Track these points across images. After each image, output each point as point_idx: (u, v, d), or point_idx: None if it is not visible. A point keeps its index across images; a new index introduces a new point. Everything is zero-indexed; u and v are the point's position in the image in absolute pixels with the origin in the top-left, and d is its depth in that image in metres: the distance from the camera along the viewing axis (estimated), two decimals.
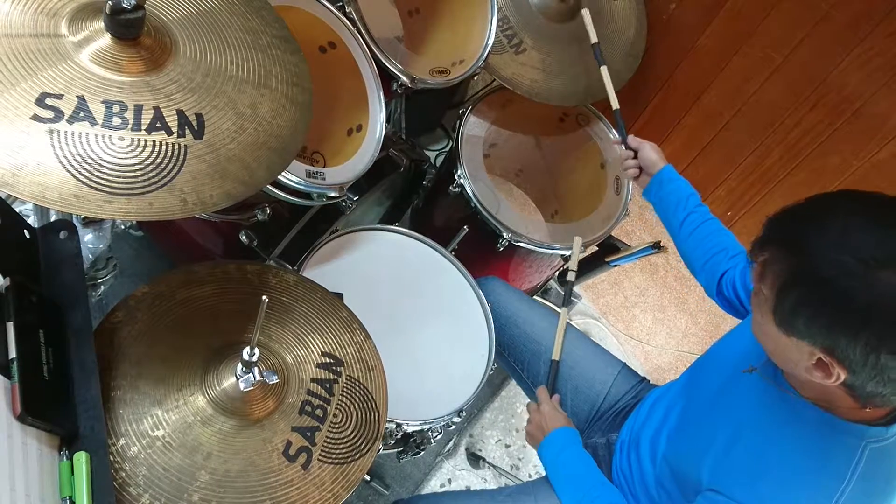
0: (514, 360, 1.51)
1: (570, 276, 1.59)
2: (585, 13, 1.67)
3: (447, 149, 2.34)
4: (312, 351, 1.08)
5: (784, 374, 0.96)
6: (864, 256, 0.75)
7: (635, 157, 1.46)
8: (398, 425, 1.29)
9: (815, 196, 0.85)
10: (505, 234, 1.64)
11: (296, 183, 1.22)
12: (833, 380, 0.81)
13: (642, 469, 1.21)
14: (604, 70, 1.63)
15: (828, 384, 0.82)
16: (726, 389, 1.07)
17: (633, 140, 1.48)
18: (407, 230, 1.57)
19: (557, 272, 1.96)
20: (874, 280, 0.74)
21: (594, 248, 1.82)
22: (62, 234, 0.95)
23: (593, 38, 1.66)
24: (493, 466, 1.99)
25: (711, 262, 1.28)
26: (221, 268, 1.11)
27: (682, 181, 1.39)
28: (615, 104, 1.60)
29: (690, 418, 1.14)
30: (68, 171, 0.74)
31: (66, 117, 0.77)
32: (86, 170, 0.75)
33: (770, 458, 0.93)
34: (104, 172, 0.76)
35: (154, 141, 0.81)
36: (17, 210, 0.93)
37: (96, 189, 0.75)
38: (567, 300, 1.54)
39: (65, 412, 0.83)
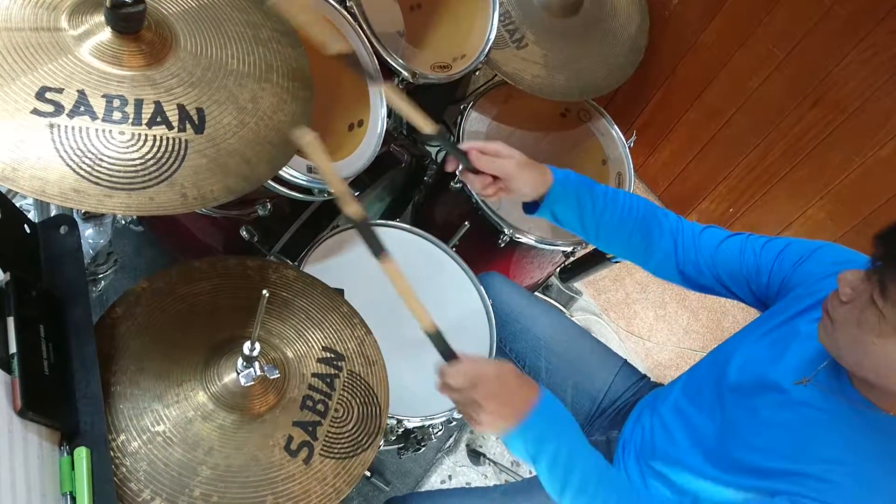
0: (515, 356, 1.51)
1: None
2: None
3: None
4: (313, 346, 1.08)
5: (855, 384, 0.91)
6: None
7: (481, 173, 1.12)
8: (399, 421, 1.29)
9: None
10: (506, 230, 1.63)
11: (297, 178, 1.22)
12: None
13: (656, 478, 1.17)
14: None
15: None
16: (777, 407, 0.99)
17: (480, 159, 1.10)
18: (408, 226, 1.57)
19: (559, 268, 1.96)
20: None
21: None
22: (62, 229, 0.95)
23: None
24: (494, 463, 1.99)
25: (656, 249, 1.15)
26: (221, 263, 1.11)
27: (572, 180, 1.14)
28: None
29: (740, 435, 1.04)
30: (69, 166, 0.74)
31: (66, 111, 0.76)
32: (86, 164, 0.75)
33: (871, 480, 0.88)
34: (105, 167, 0.76)
35: (155, 135, 0.80)
36: (17, 205, 0.93)
37: (97, 184, 0.75)
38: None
39: (65, 407, 0.83)
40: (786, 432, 0.97)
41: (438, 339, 0.99)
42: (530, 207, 1.17)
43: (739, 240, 1.14)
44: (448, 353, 0.97)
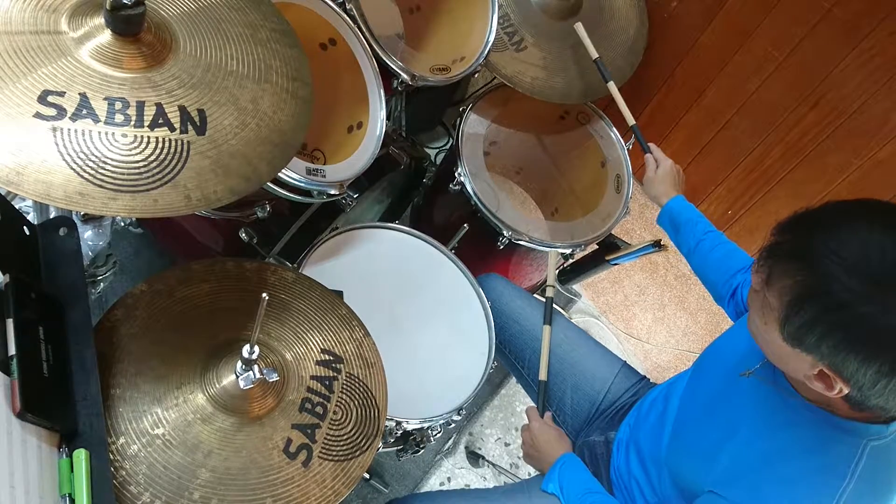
0: (514, 357, 1.51)
1: (549, 292, 1.54)
2: (579, 27, 1.63)
3: (447, 146, 2.34)
4: (312, 348, 1.08)
5: (785, 374, 0.95)
6: (882, 280, 0.72)
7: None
8: (398, 423, 1.29)
9: (831, 204, 0.82)
10: (505, 233, 1.63)
11: (296, 180, 1.22)
12: (835, 393, 0.80)
13: (640, 469, 1.21)
14: (611, 87, 1.60)
15: (827, 395, 0.82)
16: (724, 393, 1.06)
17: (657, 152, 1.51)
18: (407, 228, 1.57)
19: (557, 270, 1.96)
20: (892, 307, 0.72)
21: (594, 247, 1.82)
22: (62, 231, 0.95)
23: (593, 54, 1.63)
24: (493, 465, 1.99)
25: (730, 282, 1.28)
26: (220, 265, 1.11)
27: (690, 211, 1.40)
28: (631, 120, 1.59)
29: (688, 422, 1.13)
30: (73, 169, 0.74)
31: (68, 115, 0.76)
32: (90, 167, 0.75)
33: (771, 461, 0.93)
34: (108, 169, 0.76)
35: (157, 137, 0.80)
36: (16, 207, 0.93)
37: (101, 186, 0.75)
38: (548, 317, 1.48)
39: (64, 409, 0.83)
40: (724, 425, 1.02)
41: (543, 391, 1.42)
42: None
43: None
44: (542, 405, 1.41)
